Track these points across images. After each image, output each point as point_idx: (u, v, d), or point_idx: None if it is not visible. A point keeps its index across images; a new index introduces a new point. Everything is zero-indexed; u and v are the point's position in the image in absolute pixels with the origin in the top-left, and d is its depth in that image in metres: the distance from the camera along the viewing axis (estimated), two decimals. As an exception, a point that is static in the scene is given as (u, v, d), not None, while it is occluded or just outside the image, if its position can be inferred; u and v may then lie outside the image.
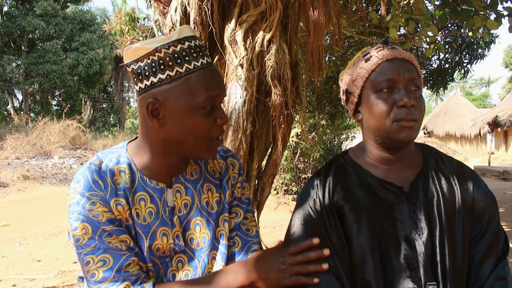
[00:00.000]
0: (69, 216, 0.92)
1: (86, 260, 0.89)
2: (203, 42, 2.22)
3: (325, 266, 0.94)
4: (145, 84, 0.92)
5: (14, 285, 3.47)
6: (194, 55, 0.92)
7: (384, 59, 0.98)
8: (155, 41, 0.92)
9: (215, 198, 1.06)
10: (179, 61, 0.90)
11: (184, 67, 0.91)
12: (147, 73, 0.91)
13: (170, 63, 0.90)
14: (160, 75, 0.90)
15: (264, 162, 2.46)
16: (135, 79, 0.94)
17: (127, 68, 0.96)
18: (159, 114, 0.92)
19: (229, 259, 1.06)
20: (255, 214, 2.37)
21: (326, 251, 0.95)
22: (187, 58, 0.91)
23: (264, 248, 1.16)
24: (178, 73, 0.90)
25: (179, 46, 0.91)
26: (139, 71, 0.92)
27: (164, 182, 0.99)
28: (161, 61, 0.90)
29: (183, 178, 1.02)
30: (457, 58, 6.18)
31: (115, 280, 0.89)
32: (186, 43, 0.92)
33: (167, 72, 0.90)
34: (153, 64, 0.91)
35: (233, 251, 1.07)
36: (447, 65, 6.20)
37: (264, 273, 0.93)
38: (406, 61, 0.98)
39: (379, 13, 4.49)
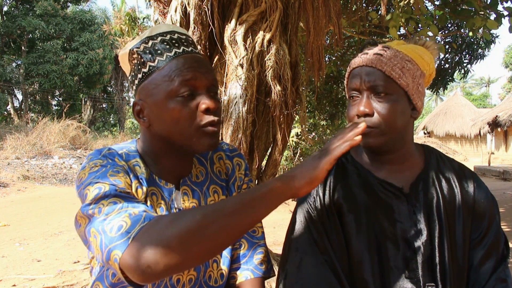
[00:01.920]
0: (80, 185, 0.82)
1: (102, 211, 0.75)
2: (203, 42, 2.22)
3: (362, 125, 0.86)
4: (134, 89, 0.92)
5: (14, 285, 3.47)
6: (167, 47, 0.88)
7: (352, 68, 1.01)
8: (129, 44, 0.91)
9: None
10: (150, 56, 0.88)
11: (157, 60, 0.87)
12: (133, 78, 0.91)
13: (143, 60, 0.88)
14: (139, 75, 0.89)
15: (264, 162, 2.46)
16: (131, 88, 0.95)
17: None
18: (144, 114, 0.90)
19: (234, 261, 1.05)
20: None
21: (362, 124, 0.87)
22: (159, 51, 0.88)
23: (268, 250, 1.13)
24: (150, 67, 0.87)
25: (150, 42, 0.89)
26: (130, 79, 0.92)
27: (172, 183, 0.96)
28: (137, 61, 0.89)
29: (190, 180, 0.99)
30: (457, 58, 6.19)
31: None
32: (159, 38, 0.89)
33: (142, 69, 0.88)
34: (134, 67, 0.90)
35: (239, 253, 1.05)
36: (447, 65, 6.21)
37: (304, 163, 0.80)
38: (370, 68, 0.97)
39: (379, 13, 4.49)
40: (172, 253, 0.66)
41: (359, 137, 0.82)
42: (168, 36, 0.90)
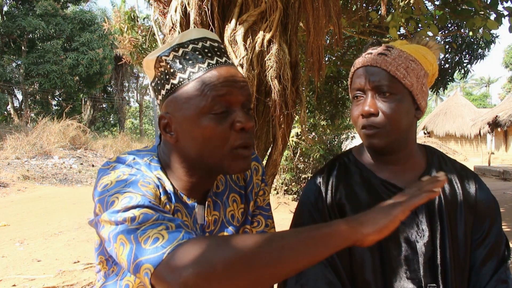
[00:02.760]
0: (103, 192, 0.77)
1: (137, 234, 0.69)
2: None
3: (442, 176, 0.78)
4: (159, 99, 0.85)
5: (14, 285, 3.47)
6: (200, 57, 0.81)
7: (356, 68, 1.01)
8: (158, 50, 0.84)
9: (240, 210, 0.98)
10: (180, 66, 0.81)
11: (188, 72, 0.80)
12: (159, 87, 0.84)
13: (172, 71, 0.81)
14: (166, 86, 0.82)
15: (264, 162, 2.46)
16: (155, 97, 0.87)
17: (152, 89, 0.88)
18: (171, 128, 0.83)
19: None
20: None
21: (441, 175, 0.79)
22: (190, 62, 0.80)
23: None
24: (181, 79, 0.80)
25: (181, 50, 0.82)
26: (155, 87, 0.85)
27: (195, 198, 0.90)
28: (165, 71, 0.82)
29: (212, 192, 0.93)
30: (457, 58, 6.19)
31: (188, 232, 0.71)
32: (191, 46, 0.82)
33: (171, 80, 0.81)
34: (161, 76, 0.82)
35: None
36: (447, 65, 6.21)
37: (374, 211, 0.74)
38: (375, 67, 0.97)
39: (379, 13, 4.49)
40: (214, 278, 0.61)
41: (438, 189, 0.75)
42: (200, 44, 0.83)
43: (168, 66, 0.82)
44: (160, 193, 0.82)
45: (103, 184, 0.78)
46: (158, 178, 0.84)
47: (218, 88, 0.79)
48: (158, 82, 0.84)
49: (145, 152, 0.90)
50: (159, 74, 0.83)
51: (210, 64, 0.81)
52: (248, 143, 0.82)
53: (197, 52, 0.82)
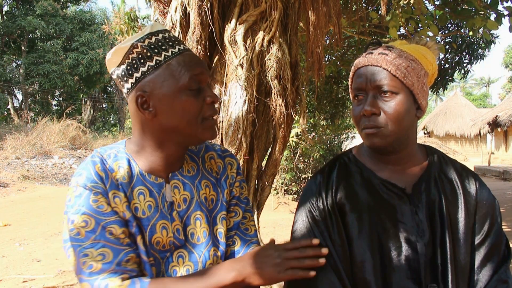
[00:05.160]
0: (66, 211, 0.93)
1: (83, 253, 0.89)
2: (203, 42, 2.23)
3: (322, 260, 0.93)
4: (131, 82, 0.95)
5: (14, 285, 3.47)
6: (170, 43, 0.96)
7: (356, 67, 1.01)
8: (129, 39, 0.95)
9: (211, 196, 1.07)
10: (156, 50, 0.94)
11: (163, 55, 0.94)
12: (130, 72, 0.94)
13: (149, 54, 0.93)
14: (142, 68, 0.93)
15: (264, 162, 2.46)
16: (121, 82, 0.97)
17: (112, 77, 0.99)
18: (149, 105, 0.94)
19: (228, 258, 1.06)
20: (255, 215, 2.37)
21: (325, 250, 0.94)
22: (163, 47, 0.94)
23: None
24: (158, 61, 0.93)
25: (153, 38, 0.95)
26: (123, 73, 0.95)
27: (162, 178, 1.00)
28: (140, 55, 0.94)
29: (181, 174, 1.03)
30: (457, 58, 6.19)
31: (114, 271, 0.89)
32: (160, 35, 0.96)
33: (148, 63, 0.93)
34: (134, 61, 0.94)
35: (232, 250, 1.07)
36: (447, 65, 6.21)
37: (258, 268, 0.91)
38: (376, 67, 0.97)
39: (379, 13, 4.48)
40: None
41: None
42: (167, 34, 0.97)
43: (145, 51, 0.94)
44: (107, 194, 0.93)
45: (67, 195, 0.95)
46: (119, 167, 0.96)
47: (193, 69, 0.95)
48: (129, 67, 0.95)
49: (114, 144, 1.04)
50: (129, 60, 0.94)
51: (180, 49, 0.96)
52: (215, 113, 1.01)
53: (167, 40, 0.96)
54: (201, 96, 0.96)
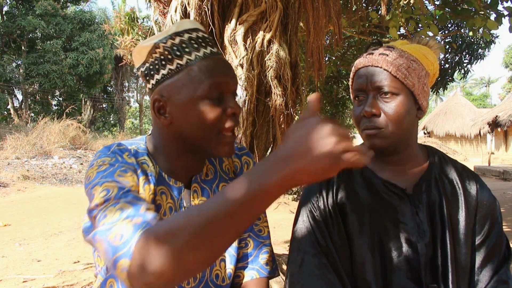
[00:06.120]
0: (88, 184, 0.81)
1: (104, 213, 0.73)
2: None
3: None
4: (152, 83, 0.89)
5: (14, 285, 3.47)
6: (195, 45, 0.87)
7: (357, 68, 1.01)
8: (154, 37, 0.89)
9: None
10: (178, 53, 0.86)
11: (185, 59, 0.86)
12: (152, 72, 0.89)
13: (170, 57, 0.86)
14: (162, 71, 0.87)
15: (264, 162, 2.45)
16: (145, 81, 0.92)
17: (139, 74, 0.94)
18: (166, 111, 0.88)
19: (240, 260, 1.04)
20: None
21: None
22: (187, 50, 0.86)
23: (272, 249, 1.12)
24: (178, 65, 0.86)
25: (177, 39, 0.87)
26: (146, 72, 0.90)
27: (181, 182, 0.95)
28: (162, 57, 0.87)
29: (200, 178, 0.98)
30: (457, 58, 6.19)
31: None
32: (186, 35, 0.88)
33: (168, 66, 0.86)
34: (156, 62, 0.88)
35: (245, 252, 1.05)
36: (447, 65, 6.21)
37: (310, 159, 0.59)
38: (376, 68, 0.97)
39: (379, 13, 4.48)
40: (168, 267, 0.61)
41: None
42: (194, 34, 0.89)
43: (166, 52, 0.87)
44: (137, 175, 0.86)
45: (87, 176, 0.83)
46: (142, 163, 0.90)
47: (215, 76, 0.86)
48: (152, 67, 0.88)
49: (134, 140, 0.97)
50: (153, 60, 0.88)
51: (205, 53, 0.87)
52: (236, 125, 0.91)
53: (192, 41, 0.88)
54: (222, 106, 0.87)
